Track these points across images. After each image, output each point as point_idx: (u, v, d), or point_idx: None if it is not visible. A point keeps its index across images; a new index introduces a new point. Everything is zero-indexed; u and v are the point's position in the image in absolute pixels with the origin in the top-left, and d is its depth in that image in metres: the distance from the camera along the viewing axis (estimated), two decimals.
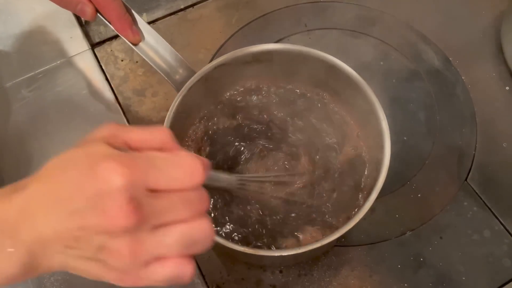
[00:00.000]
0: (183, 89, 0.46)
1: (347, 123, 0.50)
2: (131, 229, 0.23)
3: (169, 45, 0.48)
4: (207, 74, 0.47)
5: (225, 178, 0.42)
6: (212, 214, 0.47)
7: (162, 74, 0.48)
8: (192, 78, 0.47)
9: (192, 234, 0.26)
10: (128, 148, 0.26)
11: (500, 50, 0.61)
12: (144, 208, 0.24)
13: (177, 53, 0.48)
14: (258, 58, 0.49)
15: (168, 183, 0.25)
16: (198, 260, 0.50)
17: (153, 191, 0.25)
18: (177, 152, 0.27)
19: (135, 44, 0.47)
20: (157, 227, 0.25)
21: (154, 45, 0.48)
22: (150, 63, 0.48)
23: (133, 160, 0.24)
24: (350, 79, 0.46)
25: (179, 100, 0.46)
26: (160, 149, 0.27)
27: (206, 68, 0.47)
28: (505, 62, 0.60)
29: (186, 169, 0.26)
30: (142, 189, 0.24)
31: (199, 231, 0.26)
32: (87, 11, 0.44)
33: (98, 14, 0.45)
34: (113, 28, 0.46)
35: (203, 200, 0.27)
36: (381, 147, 0.44)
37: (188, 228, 0.26)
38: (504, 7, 0.64)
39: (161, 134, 0.27)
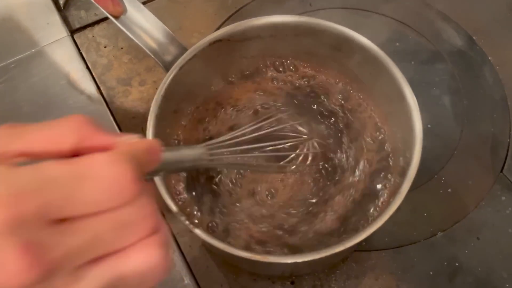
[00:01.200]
0: (173, 68, 0.39)
1: (365, 106, 0.43)
2: (38, 283, 0.16)
3: (157, 19, 0.41)
4: (202, 51, 0.40)
5: (188, 154, 0.29)
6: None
7: (150, 53, 0.41)
8: (184, 55, 0.40)
9: (130, 271, 0.18)
10: (27, 158, 0.18)
11: None
12: (50, 251, 0.16)
13: (166, 28, 0.41)
14: (260, 33, 0.42)
15: (82, 207, 0.17)
16: (195, 272, 0.42)
17: (62, 220, 0.17)
18: (95, 156, 0.18)
19: (116, 17, 0.40)
20: (82, 266, 0.17)
21: (140, 20, 0.41)
22: (136, 41, 0.41)
23: (17, 185, 0.16)
24: (366, 52, 0.40)
25: (168, 81, 0.39)
26: (76, 148, 0.19)
27: (201, 44, 0.40)
28: None
29: (108, 181, 0.18)
30: (40, 224, 0.16)
31: (141, 264, 0.18)
32: None
33: None
34: None
35: (147, 215, 0.19)
36: (409, 130, 0.37)
37: (125, 265, 0.18)
38: None
39: (73, 125, 0.19)
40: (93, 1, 0.39)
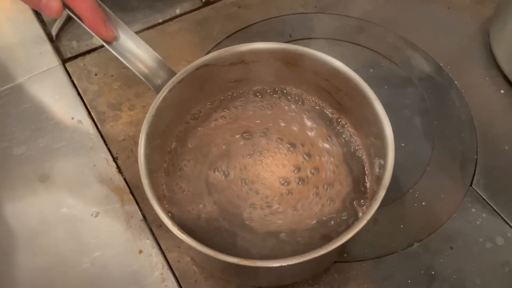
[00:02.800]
0: (162, 90, 0.42)
1: (343, 125, 0.47)
2: None
3: (148, 46, 0.44)
4: (189, 75, 0.43)
5: None
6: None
7: (141, 77, 0.44)
8: (173, 78, 0.43)
9: None
10: None
11: (490, 54, 0.60)
12: None
13: (156, 54, 0.44)
14: (244, 59, 0.46)
15: None
16: (183, 286, 0.44)
17: None
18: None
19: (109, 42, 0.43)
20: None
21: (132, 46, 0.44)
22: (129, 66, 0.43)
23: None
24: (340, 73, 0.43)
25: (159, 102, 0.41)
26: None
27: (189, 68, 0.43)
28: (496, 66, 0.58)
29: None
30: None
31: None
32: (53, 6, 0.40)
33: (66, 9, 0.41)
34: (83, 25, 0.42)
35: None
36: (382, 142, 0.40)
37: None
38: (489, 13, 0.63)
39: None
40: (87, 28, 0.42)
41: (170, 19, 0.63)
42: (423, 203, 0.48)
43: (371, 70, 0.58)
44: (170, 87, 0.42)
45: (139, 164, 0.38)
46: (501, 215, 0.48)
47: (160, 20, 0.63)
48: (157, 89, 0.43)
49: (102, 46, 0.58)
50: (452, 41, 0.62)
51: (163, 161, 0.45)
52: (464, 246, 0.46)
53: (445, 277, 0.44)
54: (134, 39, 0.44)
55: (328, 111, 0.48)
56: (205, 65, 0.44)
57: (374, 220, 0.47)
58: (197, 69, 0.44)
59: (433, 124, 0.54)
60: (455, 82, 0.58)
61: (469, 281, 0.44)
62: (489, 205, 0.48)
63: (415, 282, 0.44)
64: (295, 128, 0.47)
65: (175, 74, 0.43)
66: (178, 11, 0.64)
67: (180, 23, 0.63)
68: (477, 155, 0.52)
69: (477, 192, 0.49)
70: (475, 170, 0.51)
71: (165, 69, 0.44)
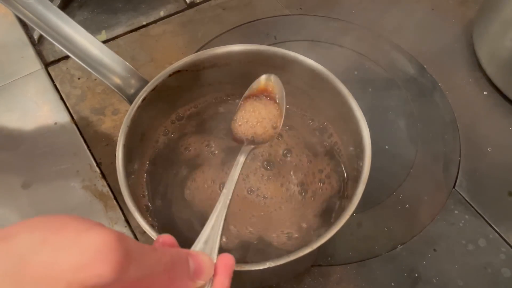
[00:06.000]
0: (136, 99, 0.41)
1: (322, 128, 0.47)
2: None
3: (117, 55, 0.43)
4: (162, 82, 0.43)
5: None
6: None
7: (114, 88, 0.43)
8: (146, 87, 0.42)
9: None
10: None
11: (473, 56, 0.60)
12: None
13: (127, 63, 0.43)
14: (216, 62, 0.45)
15: None
16: None
17: None
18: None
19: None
20: None
21: (100, 56, 0.43)
22: (100, 78, 0.42)
23: None
24: (314, 72, 0.43)
25: (133, 112, 0.41)
26: None
27: (161, 76, 0.43)
28: (480, 67, 0.59)
29: None
30: None
31: None
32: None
33: None
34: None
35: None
36: (359, 140, 0.40)
37: None
38: (472, 15, 0.64)
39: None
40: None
41: (154, 22, 0.63)
42: (407, 206, 0.49)
43: (356, 73, 0.59)
44: (143, 96, 0.41)
45: (118, 177, 0.37)
46: (484, 216, 0.48)
47: (144, 23, 0.63)
48: (130, 99, 0.42)
49: None
50: (436, 43, 0.62)
51: (144, 164, 0.45)
52: (447, 248, 0.46)
53: (428, 279, 0.45)
54: (102, 49, 0.43)
55: (304, 111, 0.48)
56: (177, 71, 0.43)
57: (358, 223, 0.48)
58: (170, 75, 0.43)
59: (417, 127, 0.54)
60: (439, 84, 0.58)
61: (452, 283, 0.45)
62: (472, 206, 0.49)
63: (398, 284, 0.44)
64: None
65: (148, 82, 0.43)
66: (162, 13, 0.64)
67: (164, 25, 0.63)
68: (460, 157, 0.52)
69: (460, 194, 0.50)
70: (458, 172, 0.51)
71: (136, 78, 0.43)
